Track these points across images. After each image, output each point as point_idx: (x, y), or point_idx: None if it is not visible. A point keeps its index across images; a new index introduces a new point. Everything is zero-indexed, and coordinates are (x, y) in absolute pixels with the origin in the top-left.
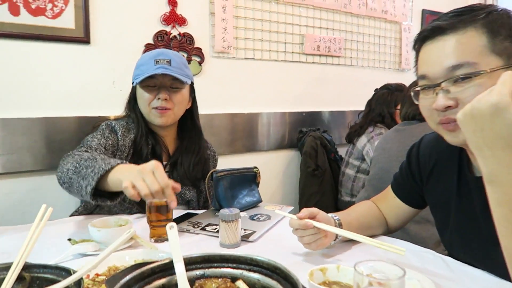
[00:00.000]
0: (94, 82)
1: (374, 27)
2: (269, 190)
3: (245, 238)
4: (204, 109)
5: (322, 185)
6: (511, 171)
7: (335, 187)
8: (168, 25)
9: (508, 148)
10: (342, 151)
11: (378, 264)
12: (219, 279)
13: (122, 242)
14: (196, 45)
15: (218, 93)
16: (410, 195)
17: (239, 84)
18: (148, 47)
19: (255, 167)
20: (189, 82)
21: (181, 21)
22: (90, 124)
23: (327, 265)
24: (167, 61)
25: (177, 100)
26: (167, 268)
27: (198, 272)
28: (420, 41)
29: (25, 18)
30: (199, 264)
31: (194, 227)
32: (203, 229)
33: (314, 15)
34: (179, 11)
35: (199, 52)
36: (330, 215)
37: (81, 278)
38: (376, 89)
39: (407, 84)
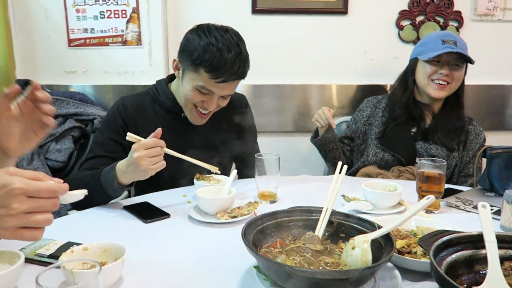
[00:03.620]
0: (348, 52)
1: None
2: None
3: None
4: None
5: None
6: None
7: None
8: None
9: None
10: None
11: None
12: None
13: (421, 208)
14: (455, 9)
15: (479, 62)
16: None
17: (503, 51)
18: (403, 14)
19: None
20: (473, 62)
21: None
22: (343, 92)
23: None
24: (453, 42)
25: (457, 76)
26: (474, 241)
27: (505, 252)
28: None
29: None
30: (507, 243)
31: (464, 203)
32: (475, 207)
33: None
34: None
35: (458, 16)
36: None
37: (389, 233)
38: None
39: None
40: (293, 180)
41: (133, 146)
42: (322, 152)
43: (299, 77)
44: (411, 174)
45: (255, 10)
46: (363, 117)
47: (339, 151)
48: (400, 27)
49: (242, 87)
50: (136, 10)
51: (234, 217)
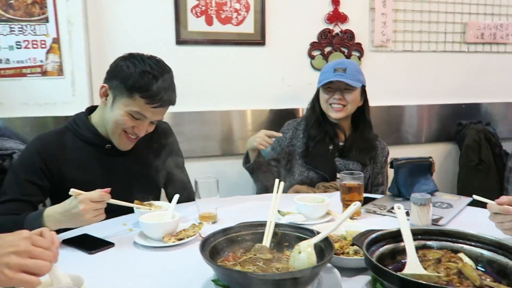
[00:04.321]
0: (267, 79)
1: None
2: None
3: (434, 222)
4: None
5: (485, 181)
6: None
7: (501, 184)
8: (331, 23)
9: None
10: (506, 145)
11: None
12: (441, 251)
13: (350, 213)
14: (356, 41)
15: (377, 86)
16: None
17: (395, 77)
18: (313, 45)
19: (430, 157)
20: (359, 86)
21: (343, 18)
22: (265, 117)
23: None
24: (343, 69)
25: (350, 99)
26: (395, 236)
27: (419, 242)
28: None
29: (216, 27)
30: (419, 235)
31: (380, 208)
32: (389, 211)
33: (477, 1)
34: (342, 9)
35: (359, 47)
36: None
37: (328, 237)
38: None
39: None
40: (229, 201)
41: (79, 198)
42: (255, 176)
43: (222, 103)
44: (335, 189)
45: (179, 41)
46: (286, 139)
47: (270, 173)
48: (312, 57)
49: (166, 114)
50: (56, 41)
51: (181, 239)
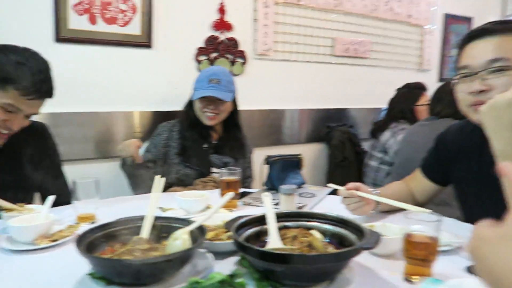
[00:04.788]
0: (153, 81)
1: (398, 30)
2: None
3: (299, 209)
4: (246, 105)
5: (348, 175)
6: None
7: (359, 177)
8: (217, 30)
9: None
10: (365, 145)
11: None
12: (297, 229)
13: (223, 202)
14: (240, 48)
15: (259, 92)
16: (436, 174)
17: (275, 83)
18: (200, 51)
19: (299, 154)
20: (231, 99)
21: (228, 27)
22: (151, 119)
23: (374, 223)
24: (217, 81)
25: (222, 108)
26: (261, 220)
27: (281, 224)
28: (467, 39)
29: (100, 27)
30: (282, 218)
31: (255, 201)
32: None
33: (344, 19)
34: (227, 18)
35: (243, 55)
36: (370, 189)
37: (202, 225)
38: (398, 88)
39: (427, 83)
40: (110, 201)
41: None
42: (131, 179)
43: (107, 105)
44: (214, 182)
45: (59, 39)
46: (162, 140)
47: (146, 175)
48: (199, 61)
49: (45, 115)
50: None
51: (55, 240)
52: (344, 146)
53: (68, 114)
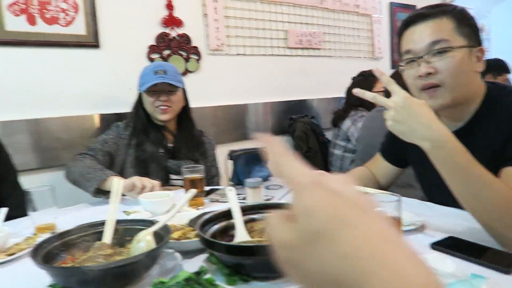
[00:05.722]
0: (105, 82)
1: (348, 20)
2: None
3: (266, 201)
4: (202, 102)
5: (314, 166)
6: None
7: (326, 166)
8: (167, 27)
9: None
10: (328, 134)
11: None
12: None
13: (186, 199)
14: (193, 44)
15: (215, 87)
16: (394, 156)
17: (233, 78)
18: (152, 48)
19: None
20: (182, 86)
21: (178, 23)
22: (102, 121)
23: None
24: (163, 71)
25: (174, 99)
26: (227, 215)
27: (247, 217)
28: (405, 25)
29: (41, 27)
30: (248, 211)
31: (222, 197)
32: None
33: (295, 12)
34: (176, 14)
35: (196, 51)
36: None
37: (166, 225)
38: (353, 77)
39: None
40: (70, 209)
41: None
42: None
43: (59, 109)
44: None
45: None
46: (110, 138)
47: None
48: (151, 60)
49: None
50: None
51: (12, 254)
52: (307, 137)
53: (19, 122)
